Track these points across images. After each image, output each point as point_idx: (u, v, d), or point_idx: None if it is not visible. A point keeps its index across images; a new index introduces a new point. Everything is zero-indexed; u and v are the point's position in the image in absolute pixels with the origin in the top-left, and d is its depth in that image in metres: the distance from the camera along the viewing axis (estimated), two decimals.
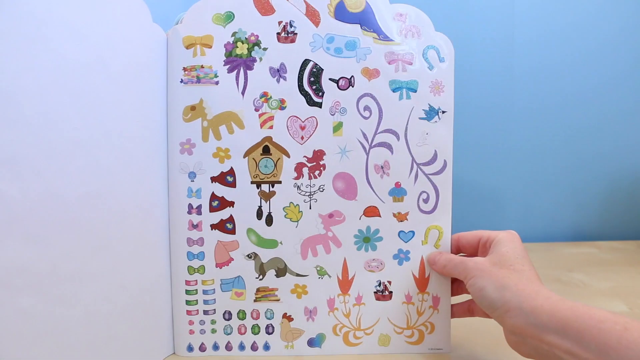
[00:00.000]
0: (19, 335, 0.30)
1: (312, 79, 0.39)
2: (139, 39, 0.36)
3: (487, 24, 0.74)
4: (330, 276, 0.41)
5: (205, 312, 0.40)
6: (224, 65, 0.38)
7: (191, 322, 0.40)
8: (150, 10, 0.37)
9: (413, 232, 0.41)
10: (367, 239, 0.41)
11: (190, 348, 0.41)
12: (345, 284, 0.41)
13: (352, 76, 0.39)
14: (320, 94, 0.39)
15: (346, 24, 0.39)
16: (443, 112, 0.40)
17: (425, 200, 0.40)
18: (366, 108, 0.39)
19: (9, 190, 0.29)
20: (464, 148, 0.75)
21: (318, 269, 0.41)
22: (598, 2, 0.74)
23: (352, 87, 0.39)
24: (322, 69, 0.39)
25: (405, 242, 0.41)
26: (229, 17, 0.38)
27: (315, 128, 0.39)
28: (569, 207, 0.80)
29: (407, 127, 0.40)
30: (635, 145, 0.78)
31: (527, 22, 0.74)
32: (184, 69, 0.38)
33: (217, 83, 0.38)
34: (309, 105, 0.39)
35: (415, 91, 0.39)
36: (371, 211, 0.40)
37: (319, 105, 0.39)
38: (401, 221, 0.40)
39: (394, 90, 0.39)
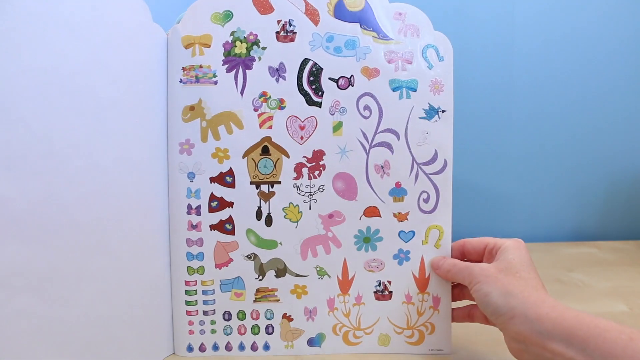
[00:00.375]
0: (18, 336, 0.30)
1: (311, 78, 0.39)
2: (139, 39, 0.36)
3: (487, 25, 0.74)
4: (330, 276, 0.41)
5: (205, 313, 0.40)
6: (223, 64, 0.38)
7: (191, 323, 0.40)
8: (151, 10, 0.37)
9: (413, 232, 0.40)
10: (367, 239, 0.40)
11: (190, 348, 0.41)
12: (345, 284, 0.41)
13: (352, 75, 0.39)
14: (320, 93, 0.39)
15: (346, 23, 0.39)
16: (443, 111, 0.40)
17: (426, 200, 0.40)
18: (366, 107, 0.39)
19: (7, 191, 0.29)
20: (465, 150, 0.75)
21: (318, 269, 0.41)
22: (598, 5, 0.74)
23: (352, 86, 0.39)
24: (322, 68, 0.39)
25: (406, 242, 0.41)
26: (228, 16, 0.38)
27: (315, 128, 0.39)
28: (569, 207, 0.79)
29: (407, 127, 0.40)
30: (635, 146, 0.78)
31: (527, 22, 0.74)
32: (183, 69, 0.38)
33: (215, 83, 0.38)
34: (308, 104, 0.39)
35: (415, 90, 0.39)
36: (371, 211, 0.40)
37: (319, 104, 0.39)
38: (401, 221, 0.40)
39: (394, 90, 0.39)
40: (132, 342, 0.37)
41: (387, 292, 0.41)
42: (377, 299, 0.41)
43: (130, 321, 0.37)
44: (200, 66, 0.38)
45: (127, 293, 0.36)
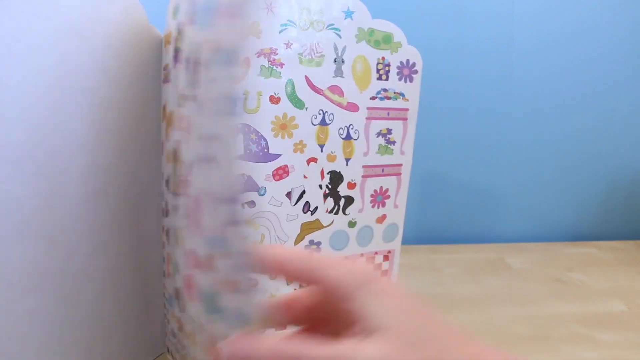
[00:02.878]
0: (24, 335, 0.30)
1: None
2: (136, 40, 0.36)
3: (486, 26, 0.74)
4: None
5: None
6: None
7: None
8: (147, 12, 0.37)
9: None
10: None
11: None
12: None
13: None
14: None
15: None
16: None
17: None
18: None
19: (16, 191, 0.29)
20: (464, 150, 0.75)
21: None
22: (597, 5, 0.74)
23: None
24: None
25: None
26: None
27: None
28: (568, 207, 0.79)
29: None
30: (634, 146, 0.78)
31: (526, 23, 0.74)
32: None
33: None
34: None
35: None
36: None
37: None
38: None
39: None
40: (129, 340, 0.37)
41: None
42: None
43: (127, 320, 0.37)
44: None
45: (124, 292, 0.36)
